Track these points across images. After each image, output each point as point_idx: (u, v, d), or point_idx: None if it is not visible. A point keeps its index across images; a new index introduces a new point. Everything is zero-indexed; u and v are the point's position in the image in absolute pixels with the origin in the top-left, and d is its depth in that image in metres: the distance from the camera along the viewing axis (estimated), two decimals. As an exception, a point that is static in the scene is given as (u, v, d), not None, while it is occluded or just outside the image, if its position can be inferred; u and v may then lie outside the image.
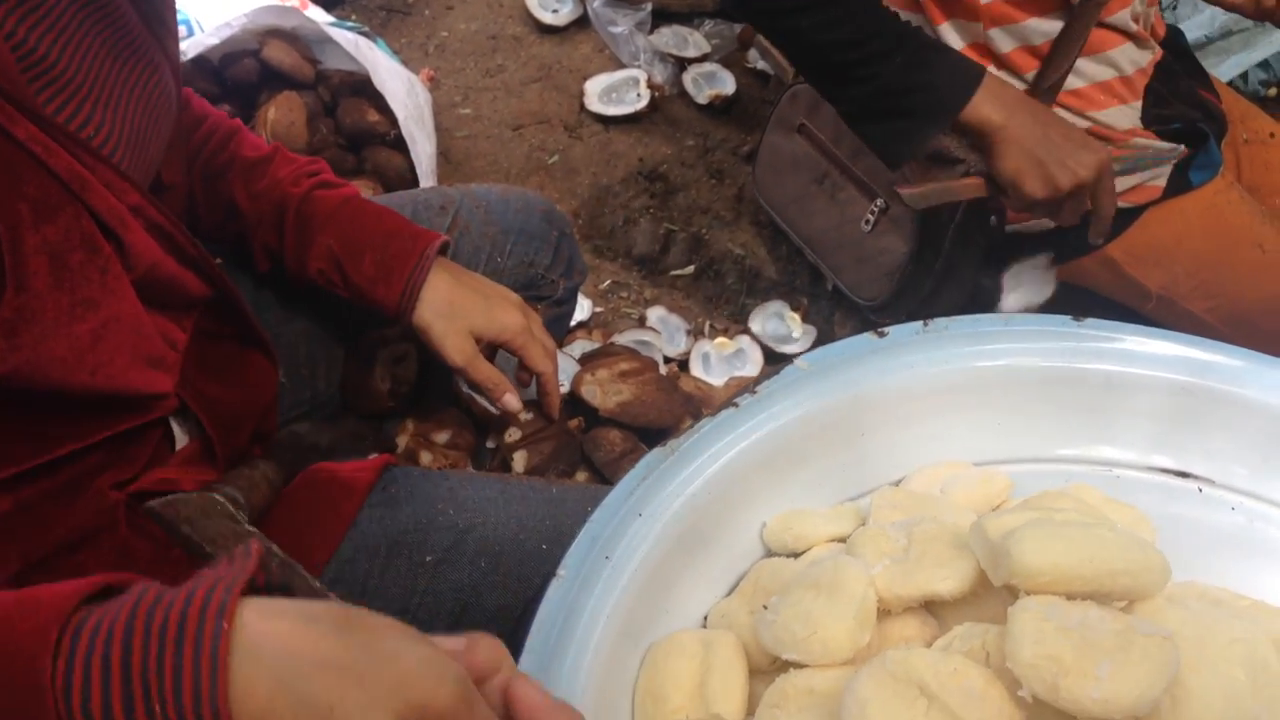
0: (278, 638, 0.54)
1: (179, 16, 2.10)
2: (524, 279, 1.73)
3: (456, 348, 1.29)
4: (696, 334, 2.13)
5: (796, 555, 0.86)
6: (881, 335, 0.94)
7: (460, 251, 1.64)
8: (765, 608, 0.77)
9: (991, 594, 0.76)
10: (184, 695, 0.52)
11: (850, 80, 1.44)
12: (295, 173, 1.30)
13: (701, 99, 2.58)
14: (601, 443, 1.60)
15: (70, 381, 0.91)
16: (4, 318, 0.84)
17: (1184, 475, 0.95)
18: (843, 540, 0.85)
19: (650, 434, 1.64)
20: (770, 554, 0.88)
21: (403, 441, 1.61)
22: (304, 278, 1.30)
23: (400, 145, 2.15)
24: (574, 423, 1.64)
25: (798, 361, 0.92)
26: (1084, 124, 1.77)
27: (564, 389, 1.69)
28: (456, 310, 1.30)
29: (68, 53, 0.91)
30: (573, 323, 2.03)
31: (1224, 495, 0.94)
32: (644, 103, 2.53)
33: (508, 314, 1.33)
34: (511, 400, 1.35)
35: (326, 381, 1.51)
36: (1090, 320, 0.96)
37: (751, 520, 0.89)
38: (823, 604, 0.74)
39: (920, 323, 0.95)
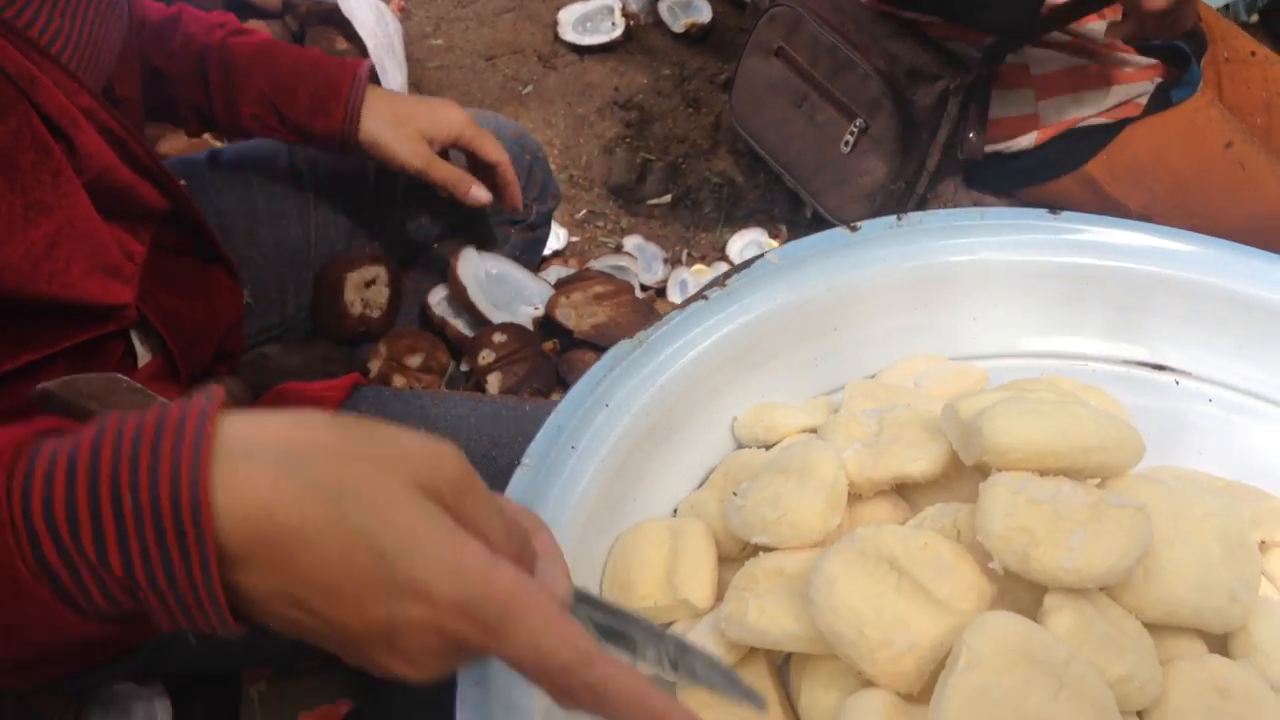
0: (270, 434, 0.51)
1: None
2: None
3: (411, 151, 1.30)
4: (674, 262, 2.11)
5: (768, 448, 0.85)
6: (854, 230, 0.93)
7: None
8: (735, 494, 0.75)
9: (963, 477, 0.75)
10: (160, 486, 0.48)
11: None
12: (206, 25, 1.28)
13: (677, 27, 2.55)
14: (577, 365, 1.58)
15: (26, 289, 0.88)
16: None
17: (1160, 368, 0.94)
18: (815, 431, 0.84)
19: (626, 356, 1.62)
20: (742, 447, 0.87)
21: (375, 366, 1.59)
22: (238, 128, 1.29)
23: (370, 76, 2.11)
24: (549, 345, 1.62)
25: (768, 255, 0.90)
26: (1064, 37, 1.75)
27: (538, 312, 1.68)
28: (401, 118, 1.30)
29: None
30: (548, 251, 2.01)
31: (1200, 387, 0.93)
32: (619, 32, 2.50)
33: (451, 112, 1.34)
34: (479, 192, 1.37)
35: (296, 305, 1.49)
36: (1066, 213, 0.94)
37: (722, 414, 0.88)
38: (793, 487, 0.72)
39: (894, 217, 0.93)
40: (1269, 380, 0.92)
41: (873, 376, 0.92)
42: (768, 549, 0.73)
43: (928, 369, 0.89)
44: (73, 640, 0.54)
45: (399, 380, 1.59)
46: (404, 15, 2.51)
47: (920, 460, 0.74)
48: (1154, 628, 0.67)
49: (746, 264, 0.90)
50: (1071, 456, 0.68)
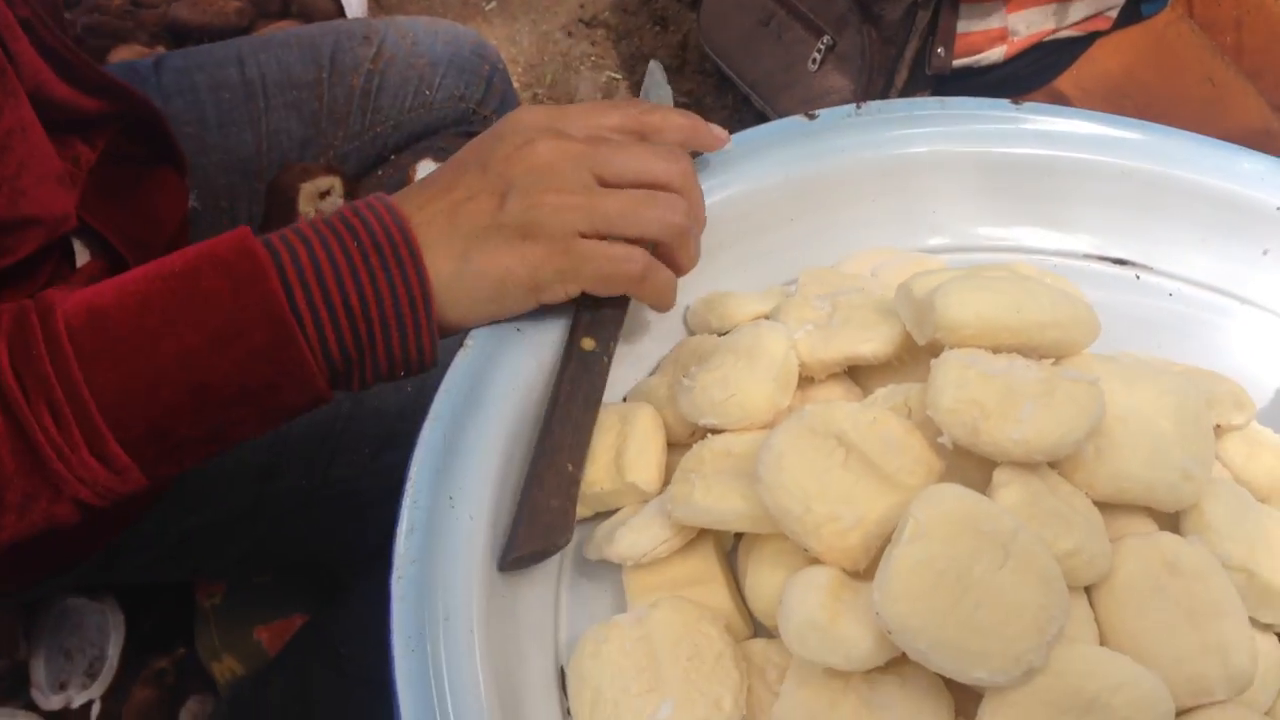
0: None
1: None
2: (455, 113, 1.67)
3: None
4: (639, 179, 2.08)
5: (720, 335, 0.83)
6: (812, 118, 0.90)
7: (386, 84, 1.59)
8: (684, 378, 0.73)
9: (917, 360, 0.73)
10: (378, 234, 0.68)
11: None
12: None
13: (645, -56, 2.50)
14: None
15: None
16: None
17: (1122, 263, 0.92)
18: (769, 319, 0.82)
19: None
20: (693, 335, 0.85)
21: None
22: None
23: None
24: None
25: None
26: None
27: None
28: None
29: None
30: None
31: (1162, 281, 0.92)
32: (586, -53, 2.45)
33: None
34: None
35: (247, 215, 1.46)
36: (1028, 104, 0.92)
37: (675, 303, 0.85)
38: (742, 368, 0.71)
39: (853, 105, 0.91)
40: (1231, 273, 0.91)
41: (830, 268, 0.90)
42: (716, 431, 0.71)
43: (886, 260, 0.87)
44: (303, 404, 0.71)
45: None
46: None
47: (872, 340, 0.72)
48: (1105, 506, 0.66)
49: (698, 152, 0.87)
50: (1026, 333, 0.66)
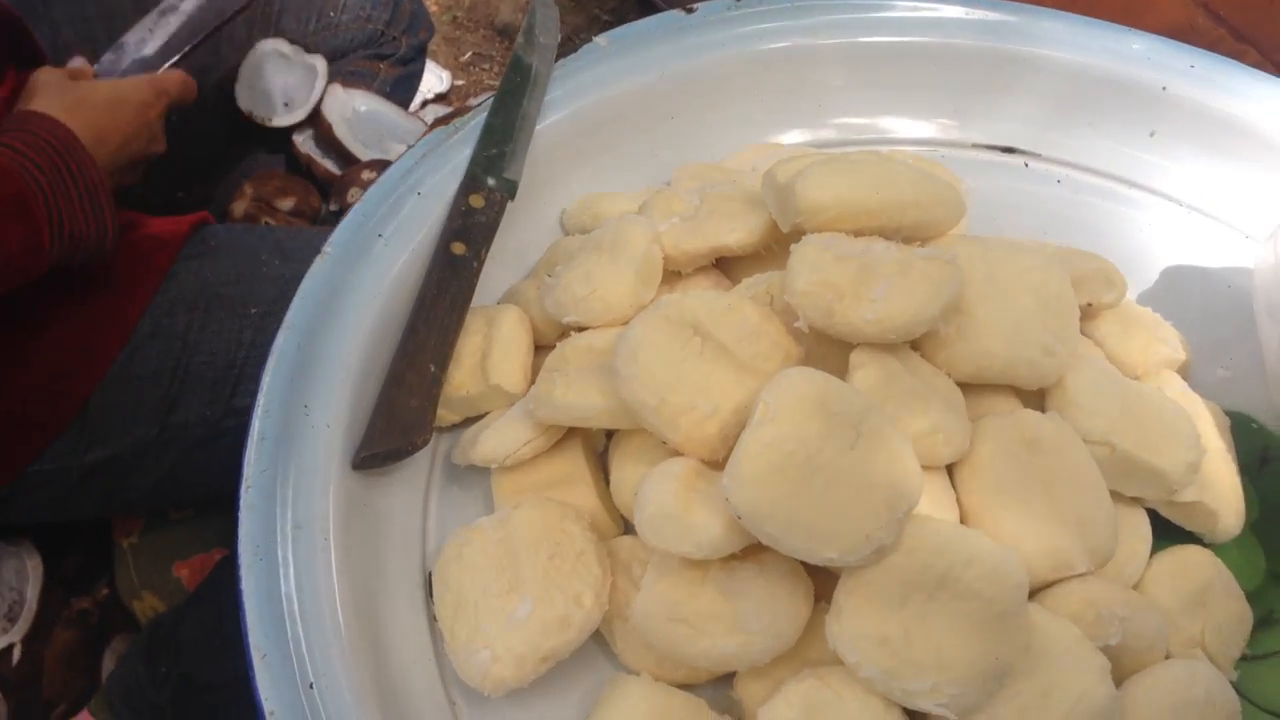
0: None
1: None
2: (363, 36, 1.64)
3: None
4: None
5: (595, 235, 0.81)
6: (690, 11, 0.88)
7: (288, 5, 1.54)
8: (549, 276, 0.72)
9: (785, 251, 0.71)
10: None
11: None
12: None
13: None
14: (449, 199, 1.53)
15: None
16: None
17: (1009, 150, 0.91)
18: (640, 215, 0.80)
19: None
20: (569, 236, 0.83)
21: (240, 208, 1.53)
22: None
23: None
24: (420, 181, 1.56)
25: (597, 39, 0.85)
26: None
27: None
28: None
29: None
30: (430, 94, 1.94)
31: (1050, 168, 0.90)
32: None
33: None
34: None
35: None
36: (911, -12, 0.90)
37: (551, 205, 0.84)
38: (604, 263, 0.69)
39: (732, 0, 0.88)
40: (1119, 157, 0.90)
41: (711, 166, 0.88)
42: (581, 329, 0.69)
43: (766, 156, 0.85)
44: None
45: (268, 224, 1.53)
46: None
47: (737, 230, 0.70)
48: (969, 386, 0.64)
49: (574, 48, 0.85)
50: (886, 214, 0.65)
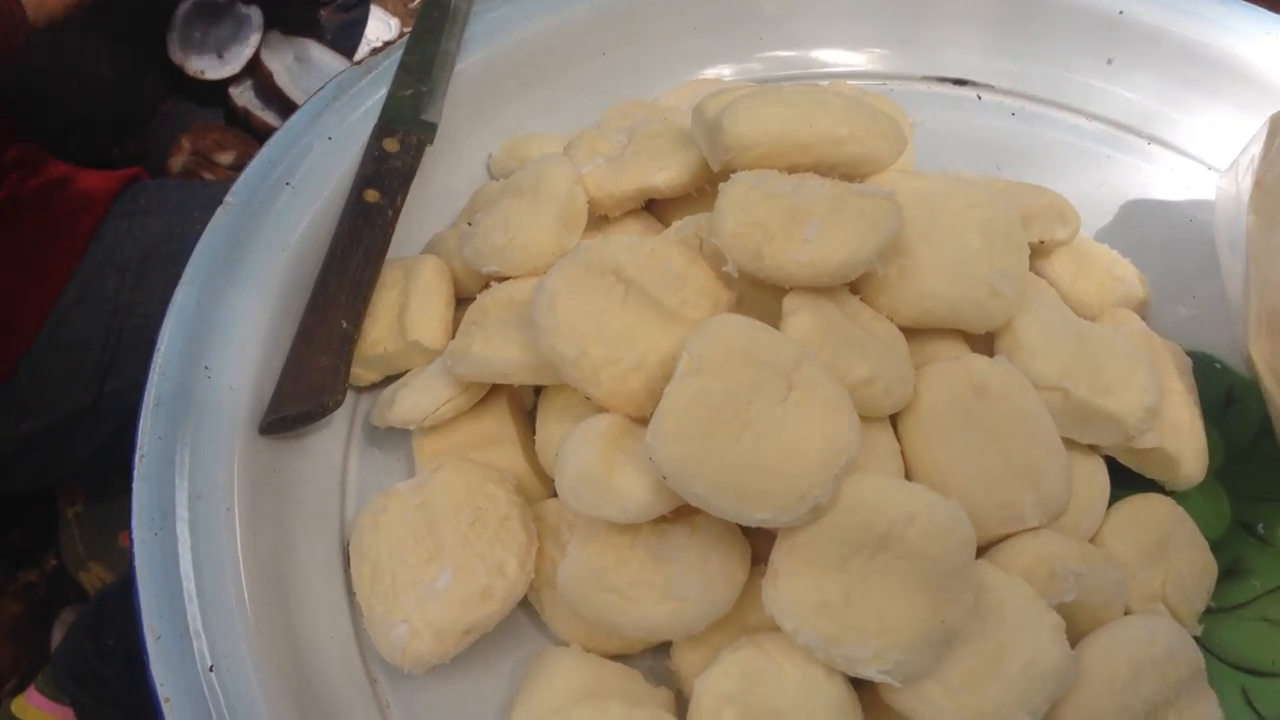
0: None
1: None
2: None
3: None
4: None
5: (524, 181, 0.77)
6: (620, -60, 0.83)
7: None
8: (468, 224, 0.67)
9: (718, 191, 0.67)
10: None
11: None
12: None
13: None
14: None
15: None
16: None
17: (961, 83, 0.86)
18: (568, 157, 0.75)
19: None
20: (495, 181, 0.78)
21: (178, 162, 1.48)
22: None
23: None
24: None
25: (521, -30, 0.80)
26: None
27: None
28: None
29: None
30: (377, 40, 1.87)
31: (1004, 100, 0.86)
32: None
33: None
34: None
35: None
36: (855, -87, 0.85)
37: (475, 149, 0.79)
38: (524, 208, 0.64)
39: (663, -75, 0.83)
40: (1075, 86, 0.86)
41: (647, 105, 0.83)
42: (501, 278, 0.65)
43: (703, 93, 0.81)
44: None
45: (208, 179, 1.48)
46: None
47: (667, 169, 0.66)
48: (912, 331, 0.60)
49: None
50: (820, 148, 0.61)
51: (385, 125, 0.72)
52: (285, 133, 0.70)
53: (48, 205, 1.10)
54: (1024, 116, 0.85)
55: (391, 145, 0.71)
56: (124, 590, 1.18)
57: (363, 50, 1.81)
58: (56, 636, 1.35)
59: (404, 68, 0.75)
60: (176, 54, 1.48)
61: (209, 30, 1.51)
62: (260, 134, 1.52)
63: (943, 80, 0.87)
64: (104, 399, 1.11)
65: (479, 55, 0.78)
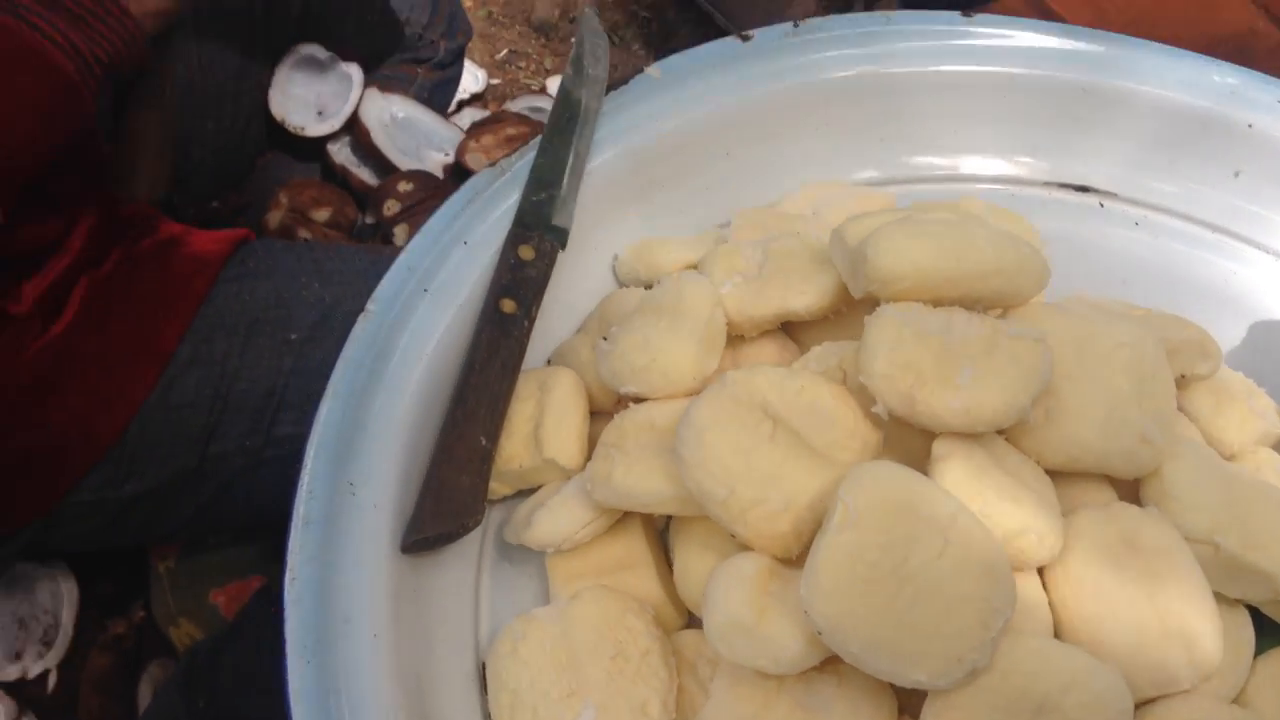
0: None
1: None
2: (400, 40, 1.60)
3: None
4: (599, 102, 1.99)
5: (649, 288, 0.77)
6: (746, 39, 0.83)
7: (329, 6, 1.51)
8: (604, 338, 0.68)
9: (856, 314, 0.67)
10: None
11: None
12: None
13: None
14: (487, 211, 1.49)
15: None
16: None
17: (1084, 189, 0.86)
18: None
19: (541, 200, 1.53)
20: (622, 286, 0.79)
21: (275, 218, 1.50)
22: None
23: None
24: (458, 192, 1.52)
25: (649, 70, 0.81)
26: None
27: (448, 159, 1.58)
28: None
29: None
30: (465, 94, 1.90)
31: (1127, 209, 0.85)
32: None
33: None
34: None
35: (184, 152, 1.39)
36: (980, 15, 0.85)
37: (602, 251, 0.79)
38: (664, 329, 0.65)
39: (790, 24, 0.84)
40: (1202, 199, 0.85)
41: (769, 206, 0.83)
42: (639, 399, 0.65)
43: (827, 196, 0.81)
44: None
45: (303, 235, 1.49)
46: None
47: (806, 294, 0.66)
48: (1057, 474, 0.60)
49: (624, 80, 0.81)
50: (967, 283, 0.60)
51: (520, 231, 0.72)
52: (423, 237, 0.71)
53: (163, 267, 1.12)
54: (1148, 226, 0.85)
55: (526, 253, 0.71)
56: (214, 649, 1.19)
57: (451, 104, 1.83)
58: (143, 690, 1.36)
59: (537, 170, 0.75)
60: (278, 109, 1.50)
61: (310, 86, 1.53)
62: (356, 191, 1.54)
63: (1065, 186, 0.86)
64: (208, 461, 1.12)
65: (606, 156, 0.78)
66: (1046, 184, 0.86)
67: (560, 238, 0.73)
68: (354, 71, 1.51)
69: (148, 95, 1.09)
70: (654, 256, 0.76)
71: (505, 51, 2.10)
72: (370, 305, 0.68)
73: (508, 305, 0.69)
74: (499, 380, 0.67)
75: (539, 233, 0.73)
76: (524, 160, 0.76)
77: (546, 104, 1.85)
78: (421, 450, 0.65)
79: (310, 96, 1.53)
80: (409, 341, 0.67)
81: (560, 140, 0.77)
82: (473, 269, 0.71)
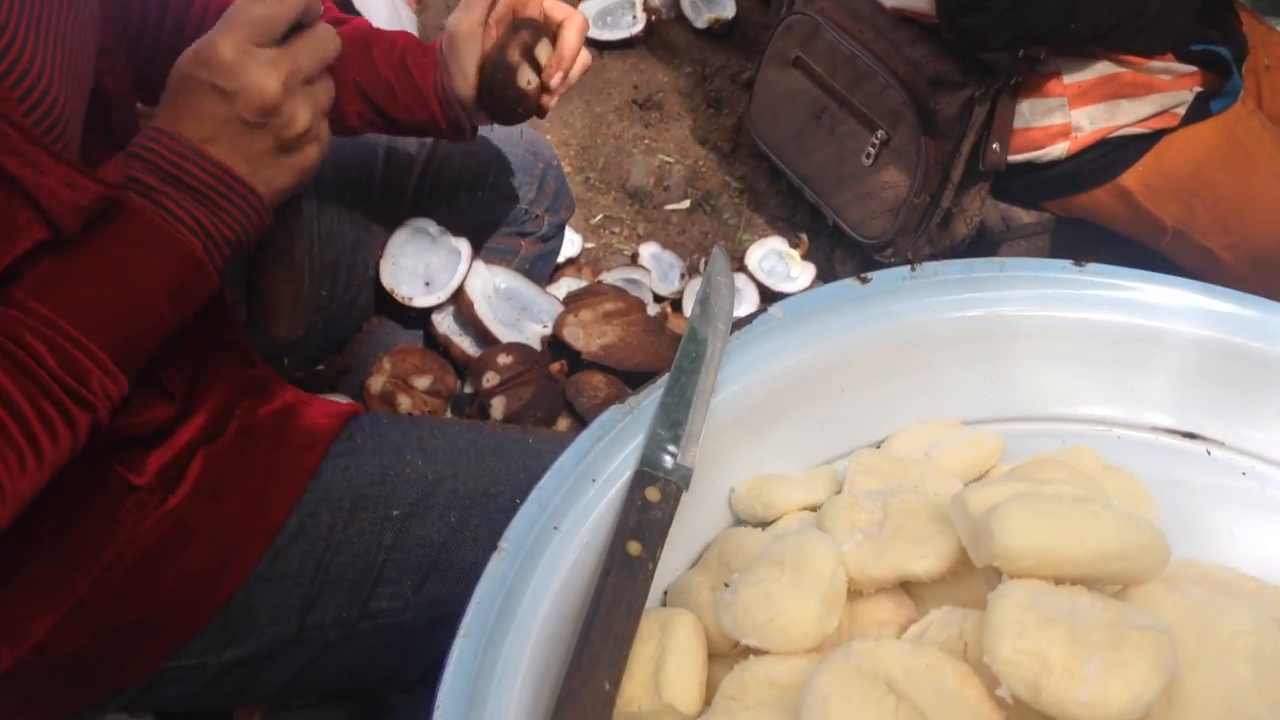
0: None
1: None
2: (507, 214, 1.66)
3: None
4: (690, 271, 2.04)
5: (766, 524, 0.79)
6: (864, 282, 0.87)
7: (441, 183, 1.57)
8: (726, 585, 0.70)
9: (974, 573, 0.69)
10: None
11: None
12: None
13: (700, 23, 2.48)
14: (584, 388, 1.53)
15: None
16: None
17: (1191, 436, 0.88)
18: (816, 510, 0.78)
19: (635, 378, 1.57)
20: (739, 522, 0.81)
21: (378, 383, 1.55)
22: (344, 126, 1.29)
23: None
24: (556, 366, 1.57)
25: (772, 310, 0.85)
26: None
27: (546, 331, 1.63)
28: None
29: None
30: (561, 258, 1.96)
31: (1235, 459, 0.87)
32: (640, 27, 2.43)
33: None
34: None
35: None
36: (1092, 266, 0.88)
37: (719, 484, 0.82)
38: (786, 584, 0.67)
39: (907, 268, 0.87)
40: (1310, 452, 0.86)
41: (880, 443, 0.86)
42: (759, 652, 0.67)
43: (939, 436, 0.83)
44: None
45: (404, 401, 1.54)
46: (419, 6, 2.46)
47: (927, 559, 0.68)
48: (1178, 760, 0.61)
49: (748, 319, 0.84)
50: (1090, 564, 0.62)
51: (646, 472, 0.75)
52: (555, 474, 0.74)
53: (276, 441, 1.16)
54: (1255, 476, 0.86)
55: (653, 494, 0.74)
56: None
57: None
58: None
59: (664, 409, 0.78)
60: (388, 278, 1.56)
61: (420, 258, 1.59)
62: (456, 360, 1.58)
63: (1172, 432, 0.88)
64: (305, 630, 1.14)
65: (728, 393, 0.81)
66: (1154, 429, 0.88)
67: (684, 478, 0.76)
68: (463, 246, 1.57)
69: (276, 257, 1.14)
70: (771, 495, 0.79)
71: (600, 216, 2.17)
72: (503, 544, 0.71)
73: (634, 548, 0.72)
74: (623, 624, 0.69)
75: (664, 473, 0.75)
76: (651, 399, 0.79)
77: (640, 275, 1.90)
78: (546, 693, 0.67)
79: (419, 268, 1.59)
80: (539, 581, 0.70)
81: (687, 379, 0.80)
82: (601, 508, 0.74)
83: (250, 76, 0.90)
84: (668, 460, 0.76)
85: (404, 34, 1.32)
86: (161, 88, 0.95)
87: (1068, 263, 0.88)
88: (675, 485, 0.75)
